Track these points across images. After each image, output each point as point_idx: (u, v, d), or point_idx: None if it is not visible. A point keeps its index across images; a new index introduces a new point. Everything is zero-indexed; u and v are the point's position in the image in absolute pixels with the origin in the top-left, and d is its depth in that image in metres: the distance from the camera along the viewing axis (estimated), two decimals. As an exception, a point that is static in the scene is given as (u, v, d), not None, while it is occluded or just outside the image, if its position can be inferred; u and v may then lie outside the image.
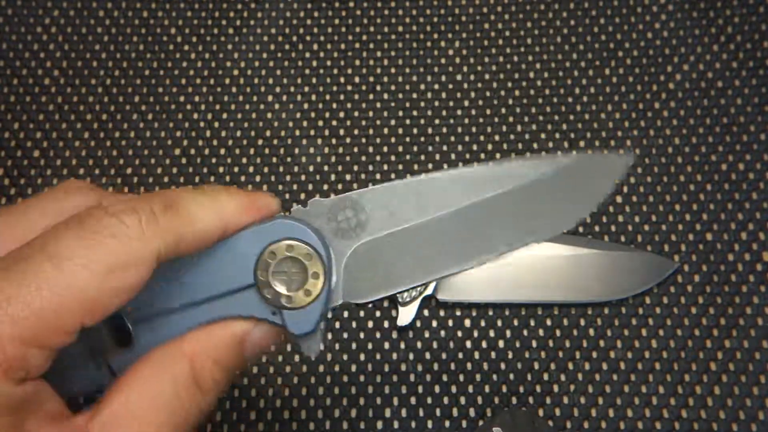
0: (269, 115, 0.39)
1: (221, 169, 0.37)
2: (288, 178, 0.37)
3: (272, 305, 0.20)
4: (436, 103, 0.39)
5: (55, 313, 0.16)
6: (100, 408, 0.17)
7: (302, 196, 0.37)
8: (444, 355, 0.34)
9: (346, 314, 0.35)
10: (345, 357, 0.34)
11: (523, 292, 0.34)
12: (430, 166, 0.37)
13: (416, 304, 0.33)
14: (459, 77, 0.40)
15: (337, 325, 0.34)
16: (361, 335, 0.34)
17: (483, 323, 0.34)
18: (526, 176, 0.22)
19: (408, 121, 0.39)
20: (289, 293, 0.20)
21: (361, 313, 0.35)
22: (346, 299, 0.22)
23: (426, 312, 0.35)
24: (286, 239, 0.20)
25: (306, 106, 0.39)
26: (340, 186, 0.37)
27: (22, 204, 0.19)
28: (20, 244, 0.17)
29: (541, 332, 0.34)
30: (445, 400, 0.33)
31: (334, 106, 0.39)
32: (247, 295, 0.20)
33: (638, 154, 0.38)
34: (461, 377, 0.33)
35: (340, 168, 0.38)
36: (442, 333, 0.34)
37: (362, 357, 0.34)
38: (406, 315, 0.33)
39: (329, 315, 0.25)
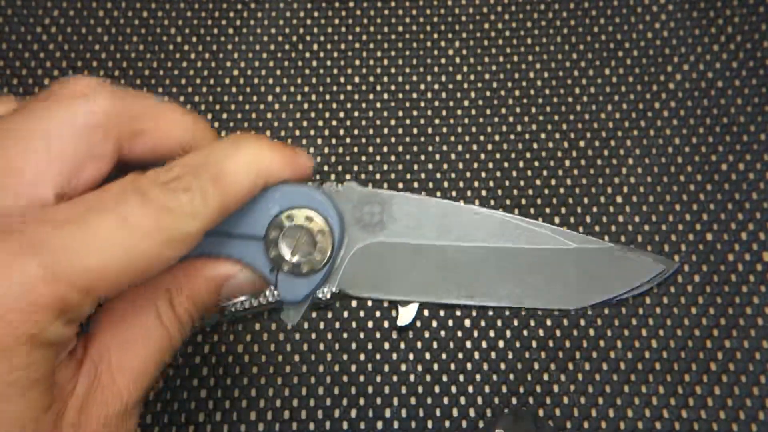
0: (269, 115, 0.39)
1: (221, 169, 0.37)
2: (288, 178, 0.37)
3: (271, 263, 0.21)
4: (436, 103, 0.39)
5: (116, 275, 0.17)
6: (90, 342, 0.19)
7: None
8: (444, 355, 0.34)
9: (346, 314, 0.35)
10: (345, 357, 0.34)
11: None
12: (430, 166, 0.37)
13: (416, 304, 0.33)
14: (459, 77, 0.40)
15: (337, 325, 0.34)
16: (361, 335, 0.34)
17: (483, 323, 0.34)
18: (552, 244, 0.22)
19: (408, 121, 0.39)
20: (291, 260, 0.21)
21: (361, 313, 0.35)
22: (340, 287, 0.23)
23: (426, 312, 0.34)
24: (308, 208, 0.21)
25: (306, 106, 0.39)
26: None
27: (26, 110, 0.19)
28: (52, 168, 0.18)
29: (541, 332, 0.34)
30: (445, 400, 0.33)
31: (334, 106, 0.39)
32: (252, 245, 0.21)
33: (638, 154, 0.38)
34: (461, 377, 0.33)
35: (340, 168, 0.38)
36: (442, 333, 0.34)
37: (362, 357, 0.34)
38: (406, 315, 0.33)
39: (322, 296, 0.26)
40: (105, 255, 0.17)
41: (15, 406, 0.16)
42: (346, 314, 0.35)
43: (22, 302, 0.15)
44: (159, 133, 0.20)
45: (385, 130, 0.38)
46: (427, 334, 0.34)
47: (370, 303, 0.35)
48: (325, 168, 0.37)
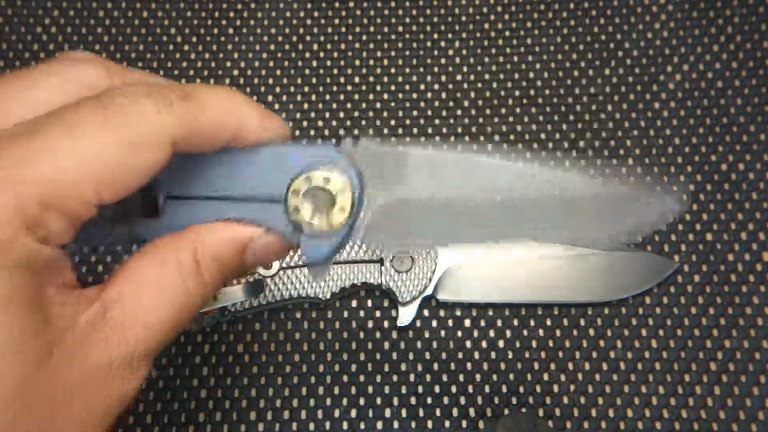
0: (269, 115, 0.39)
1: (221, 169, 0.37)
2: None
3: (293, 225, 0.21)
4: (436, 103, 0.39)
5: (74, 181, 0.16)
6: (108, 285, 0.18)
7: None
8: (444, 355, 0.34)
9: (346, 314, 0.35)
10: (345, 357, 0.34)
11: (524, 292, 0.34)
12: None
13: (416, 304, 0.33)
14: (459, 77, 0.40)
15: (337, 325, 0.34)
16: (361, 335, 0.34)
17: (483, 323, 0.34)
18: (574, 189, 0.22)
19: (408, 121, 0.39)
20: (312, 220, 0.21)
21: (361, 313, 0.35)
22: (363, 242, 0.22)
23: (426, 312, 0.34)
24: (326, 168, 0.21)
25: (306, 106, 0.39)
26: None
27: (27, 71, 0.19)
28: (32, 113, 0.17)
29: (541, 332, 0.34)
30: (445, 400, 0.33)
31: (334, 106, 0.39)
32: (272, 207, 0.21)
33: (638, 154, 0.38)
34: (461, 377, 0.33)
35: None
36: (442, 333, 0.34)
37: (362, 357, 0.34)
38: (406, 315, 0.33)
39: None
40: (59, 163, 0.16)
41: None
42: (346, 314, 0.35)
43: None
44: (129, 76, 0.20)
45: (385, 131, 0.38)
46: (427, 334, 0.34)
47: (369, 303, 0.35)
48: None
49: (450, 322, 0.34)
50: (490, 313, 0.35)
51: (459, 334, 0.34)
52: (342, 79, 0.40)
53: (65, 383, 0.17)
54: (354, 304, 0.35)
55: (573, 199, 0.21)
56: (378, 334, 0.34)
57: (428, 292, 0.33)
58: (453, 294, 0.34)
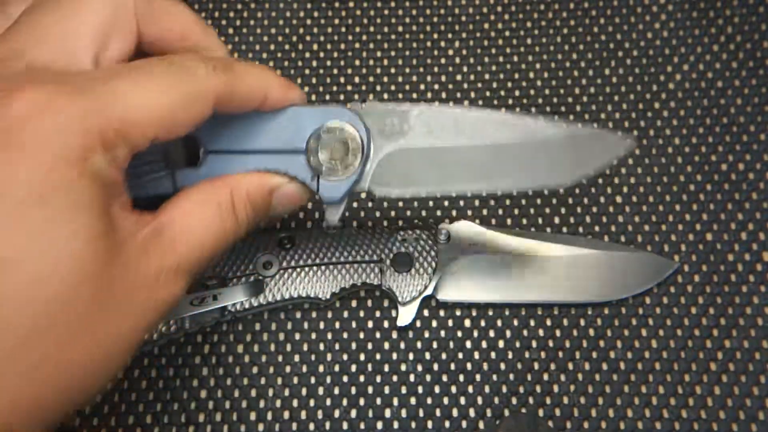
0: (269, 115, 0.39)
1: (221, 169, 0.37)
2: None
3: (313, 171, 0.26)
4: (436, 104, 0.39)
5: (141, 119, 0.21)
6: (160, 213, 0.23)
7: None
8: (444, 355, 0.34)
9: (346, 314, 0.35)
10: (345, 357, 0.34)
11: (523, 292, 0.34)
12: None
13: (416, 304, 0.33)
14: (459, 77, 0.40)
15: (337, 325, 0.34)
16: (361, 335, 0.34)
17: (483, 323, 0.34)
18: (546, 132, 0.27)
19: (408, 121, 0.38)
20: (329, 165, 0.26)
21: (361, 313, 0.35)
22: (371, 187, 0.27)
23: (426, 312, 0.34)
24: (340, 123, 0.26)
25: (306, 106, 0.39)
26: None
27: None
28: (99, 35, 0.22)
29: (540, 332, 0.34)
30: (445, 400, 0.33)
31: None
32: (295, 158, 0.26)
33: (638, 154, 0.38)
34: (461, 377, 0.33)
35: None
36: (442, 333, 0.34)
37: (362, 357, 0.34)
38: (406, 315, 0.33)
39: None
40: (133, 103, 0.20)
41: (72, 223, 0.19)
42: (346, 314, 0.35)
43: (75, 128, 0.19)
44: (168, 21, 0.25)
45: (385, 130, 0.38)
46: (427, 334, 0.34)
47: (369, 303, 0.35)
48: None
49: (450, 322, 0.34)
50: (490, 313, 0.34)
51: (459, 334, 0.34)
52: (342, 79, 0.40)
53: (126, 282, 0.21)
54: (354, 304, 0.35)
55: (545, 141, 0.27)
56: (378, 334, 0.34)
57: (428, 292, 0.33)
58: (453, 294, 0.34)
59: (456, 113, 0.27)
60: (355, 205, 0.37)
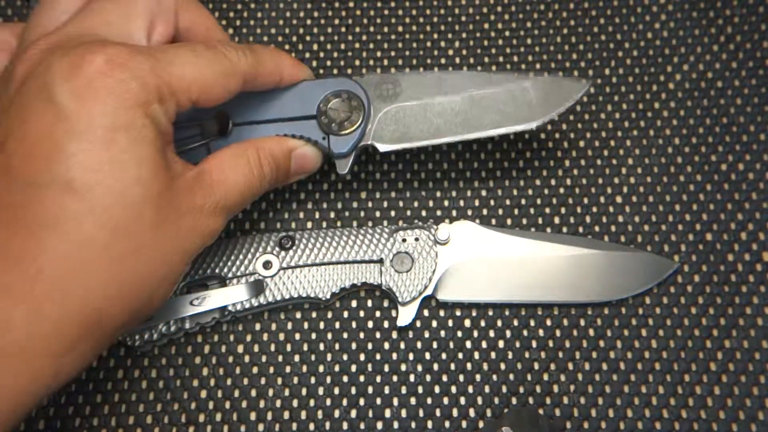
0: (269, 115, 0.39)
1: (221, 169, 0.37)
2: (288, 178, 0.37)
3: (323, 131, 0.32)
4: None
5: (189, 85, 0.27)
6: (202, 162, 0.29)
7: (302, 195, 0.37)
8: (444, 356, 0.34)
9: (346, 314, 0.35)
10: (345, 357, 0.34)
11: (523, 292, 0.34)
12: (430, 165, 0.37)
13: (416, 304, 0.33)
14: (459, 77, 0.40)
15: (337, 325, 0.34)
16: (361, 335, 0.34)
17: (483, 323, 0.34)
18: (515, 82, 0.33)
19: (408, 121, 0.38)
20: (337, 123, 0.32)
21: (361, 314, 0.35)
22: (373, 141, 0.33)
23: (426, 312, 0.34)
24: (344, 90, 0.33)
25: (306, 106, 0.39)
26: (339, 185, 0.37)
27: None
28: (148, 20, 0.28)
29: (541, 332, 0.34)
30: (445, 400, 0.33)
31: (334, 106, 0.39)
32: (308, 122, 0.32)
33: (638, 154, 0.38)
34: (461, 377, 0.33)
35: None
36: (442, 333, 0.34)
37: (362, 357, 0.34)
38: (406, 315, 0.33)
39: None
40: (185, 70, 0.27)
41: (139, 154, 0.25)
42: (346, 314, 0.35)
43: (139, 81, 0.25)
44: (197, 15, 0.31)
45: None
46: (427, 334, 0.34)
47: (369, 303, 0.35)
48: (326, 167, 0.37)
49: (450, 322, 0.34)
50: (490, 313, 0.35)
51: (459, 334, 0.34)
52: (342, 79, 0.40)
53: (178, 209, 0.26)
54: (354, 304, 0.35)
55: (513, 89, 0.33)
56: (378, 334, 0.34)
57: (428, 292, 0.33)
58: (453, 294, 0.34)
59: (438, 75, 0.34)
60: (355, 204, 0.37)
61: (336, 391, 0.33)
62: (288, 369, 0.34)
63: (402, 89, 0.33)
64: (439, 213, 0.37)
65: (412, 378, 0.33)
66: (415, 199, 0.37)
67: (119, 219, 0.24)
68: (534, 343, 0.34)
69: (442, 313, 0.35)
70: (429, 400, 0.33)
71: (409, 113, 0.33)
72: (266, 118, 0.32)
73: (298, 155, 0.32)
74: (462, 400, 0.33)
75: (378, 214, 0.37)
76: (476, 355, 0.34)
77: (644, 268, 0.34)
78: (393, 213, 0.37)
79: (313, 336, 0.34)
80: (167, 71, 0.26)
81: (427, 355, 0.34)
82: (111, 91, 0.24)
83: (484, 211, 0.37)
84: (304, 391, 0.33)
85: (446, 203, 0.37)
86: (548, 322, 0.34)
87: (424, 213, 0.37)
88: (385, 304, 0.35)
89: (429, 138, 0.32)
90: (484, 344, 0.34)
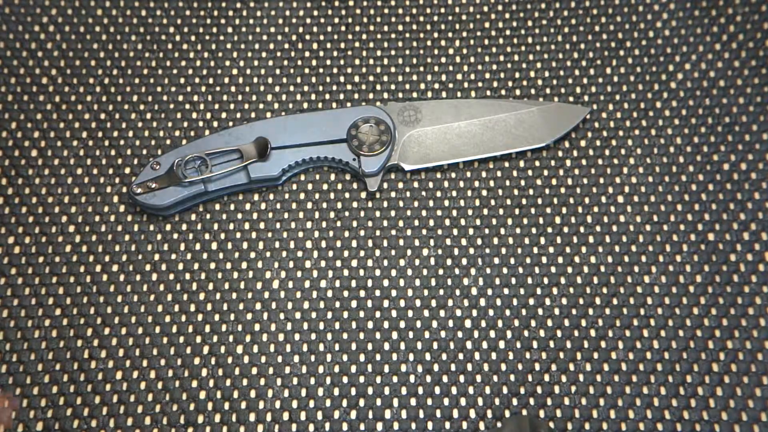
0: (268, 115, 0.39)
1: (220, 169, 0.37)
2: (287, 177, 0.37)
3: (354, 153, 0.36)
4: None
5: None
6: None
7: (302, 195, 0.37)
8: (444, 356, 0.34)
9: (346, 314, 0.34)
10: (345, 358, 0.34)
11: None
12: (429, 165, 0.37)
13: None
14: (459, 76, 0.39)
15: (337, 325, 0.34)
16: (361, 335, 0.34)
17: (483, 324, 0.34)
18: (524, 109, 0.37)
19: (408, 121, 0.38)
20: (367, 145, 0.36)
21: (361, 314, 0.34)
22: (399, 161, 0.36)
23: (426, 312, 0.34)
24: (372, 116, 0.36)
25: (305, 105, 0.39)
26: (339, 186, 0.37)
27: None
28: None
29: (542, 333, 0.34)
30: (446, 401, 0.33)
31: (334, 105, 0.39)
32: (340, 145, 0.36)
33: (639, 153, 0.37)
34: (461, 378, 0.33)
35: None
36: (443, 334, 0.34)
37: (362, 358, 0.34)
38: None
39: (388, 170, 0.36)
40: None
41: None
42: (345, 315, 0.34)
43: None
44: None
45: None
46: (427, 335, 0.34)
47: (369, 304, 0.35)
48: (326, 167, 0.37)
49: (450, 323, 0.34)
50: (491, 313, 0.34)
51: (459, 334, 0.34)
52: (342, 79, 0.39)
53: None
54: (354, 304, 0.35)
55: (525, 116, 0.37)
56: (378, 335, 0.34)
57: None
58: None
59: (455, 102, 0.38)
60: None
61: (336, 392, 0.33)
62: (287, 370, 0.33)
63: (423, 115, 0.37)
64: (439, 213, 0.36)
65: (412, 379, 0.33)
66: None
67: None
68: (535, 344, 0.34)
69: (442, 313, 0.34)
70: (429, 401, 0.33)
71: (430, 136, 0.36)
72: (301, 142, 0.35)
73: None
74: (462, 401, 0.33)
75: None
76: (477, 356, 0.34)
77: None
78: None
79: (313, 336, 0.34)
80: None
81: (428, 356, 0.34)
82: None
83: (485, 211, 0.36)
84: (303, 392, 0.33)
85: (446, 203, 0.37)
86: (549, 323, 0.34)
87: (425, 215, 0.36)
88: (383, 300, 0.35)
89: (449, 158, 0.36)
90: (484, 345, 0.34)
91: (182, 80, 0.39)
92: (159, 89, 0.39)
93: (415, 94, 0.39)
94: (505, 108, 0.37)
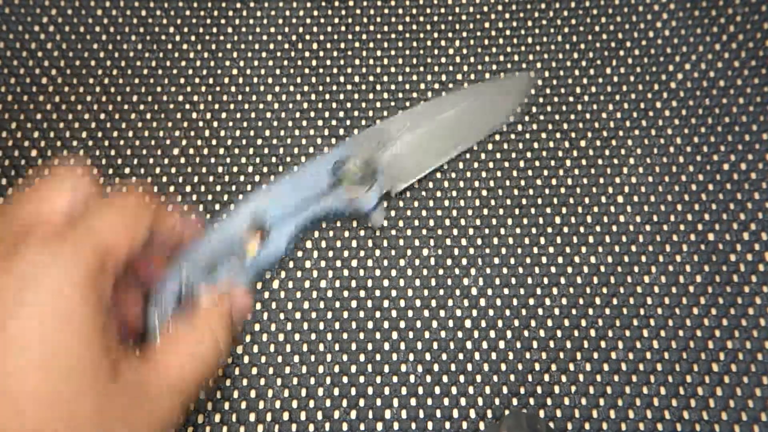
0: (268, 115, 0.39)
1: (220, 169, 0.37)
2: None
3: (347, 197, 0.33)
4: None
5: (114, 246, 0.24)
6: (148, 350, 0.26)
7: (302, 195, 0.37)
8: (444, 356, 0.34)
9: (346, 315, 0.34)
10: (345, 358, 0.34)
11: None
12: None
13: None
14: (459, 76, 0.39)
15: (337, 325, 0.34)
16: (361, 336, 0.34)
17: (483, 323, 0.34)
18: (471, 97, 0.37)
19: (408, 121, 0.38)
20: (357, 185, 0.34)
21: (361, 314, 0.34)
22: (388, 188, 0.35)
23: (426, 312, 0.34)
24: (346, 156, 0.34)
25: (305, 105, 0.39)
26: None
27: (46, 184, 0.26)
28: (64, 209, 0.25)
29: (542, 333, 0.34)
30: (446, 401, 0.33)
31: (334, 105, 0.39)
32: (331, 195, 0.33)
33: (639, 153, 0.37)
34: (462, 378, 0.33)
35: (339, 168, 0.37)
36: (443, 334, 0.34)
37: (362, 358, 0.34)
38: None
39: (383, 200, 0.36)
40: (107, 236, 0.24)
41: (77, 347, 0.22)
42: (345, 315, 0.34)
43: (72, 261, 0.23)
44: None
45: (385, 130, 0.38)
46: (427, 335, 0.34)
47: (369, 304, 0.35)
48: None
49: (450, 323, 0.34)
50: (491, 313, 0.34)
51: (459, 334, 0.34)
52: (342, 79, 0.39)
53: (124, 399, 0.23)
54: (354, 304, 0.35)
55: (485, 99, 0.37)
56: (378, 335, 0.34)
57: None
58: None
59: (413, 110, 0.37)
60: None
61: (336, 392, 0.33)
62: (287, 370, 0.33)
63: (391, 134, 0.36)
64: (439, 213, 0.36)
65: (412, 379, 0.33)
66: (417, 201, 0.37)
67: (53, 412, 0.21)
68: (535, 344, 0.34)
69: (442, 313, 0.34)
70: (429, 401, 0.33)
71: (407, 151, 0.36)
72: (296, 205, 0.33)
73: (237, 302, 0.30)
74: (462, 401, 0.33)
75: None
76: (477, 356, 0.34)
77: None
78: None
79: (313, 336, 0.34)
80: (97, 241, 0.24)
81: (428, 356, 0.34)
82: (45, 283, 0.22)
83: (485, 211, 0.36)
84: (303, 392, 0.33)
85: (446, 203, 0.37)
86: (549, 323, 0.34)
87: (425, 215, 0.36)
88: (385, 304, 0.35)
89: (434, 162, 0.36)
90: (484, 345, 0.34)
91: (182, 80, 0.39)
92: (159, 89, 0.39)
93: (415, 95, 0.39)
94: (463, 96, 0.37)
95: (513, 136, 0.38)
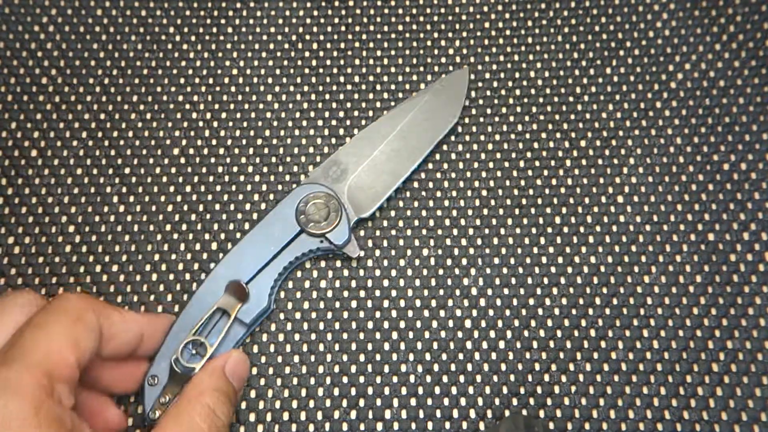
0: (268, 115, 0.39)
1: (220, 169, 0.37)
2: (287, 177, 0.37)
3: (317, 236, 0.34)
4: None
5: (60, 360, 0.25)
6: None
7: (302, 195, 0.37)
8: (444, 356, 0.34)
9: (345, 315, 0.34)
10: (344, 358, 0.34)
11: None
12: (430, 166, 0.37)
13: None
14: (459, 76, 0.39)
15: (337, 325, 0.34)
16: (361, 336, 0.34)
17: (483, 324, 0.34)
18: (412, 109, 0.37)
19: (408, 121, 0.38)
20: (323, 222, 0.34)
21: (361, 314, 0.34)
22: (357, 216, 0.35)
23: (426, 312, 0.34)
24: (306, 195, 0.34)
25: (305, 105, 0.39)
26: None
27: None
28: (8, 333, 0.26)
29: (542, 333, 0.34)
30: (446, 401, 0.33)
31: (334, 105, 0.39)
32: (301, 238, 0.34)
33: (639, 153, 0.37)
34: (462, 378, 0.33)
35: (339, 168, 0.37)
36: (443, 334, 0.34)
37: (362, 358, 0.34)
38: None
39: (352, 231, 0.35)
40: (52, 352, 0.25)
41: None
42: (345, 315, 0.34)
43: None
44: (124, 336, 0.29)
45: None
46: (427, 335, 0.34)
47: (369, 304, 0.35)
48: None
49: (450, 323, 0.34)
50: (491, 313, 0.34)
51: (459, 334, 0.34)
52: (342, 79, 0.39)
53: None
54: (354, 304, 0.35)
55: (425, 106, 0.37)
56: (378, 335, 0.34)
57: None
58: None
59: (363, 133, 0.37)
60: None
61: (336, 392, 0.33)
62: (287, 370, 0.33)
63: (345, 164, 0.36)
64: (439, 213, 0.36)
65: (412, 379, 0.33)
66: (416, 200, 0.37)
67: None
68: (535, 344, 0.34)
69: (442, 313, 0.34)
70: (429, 401, 0.33)
71: (365, 177, 0.36)
72: (269, 258, 0.33)
73: (231, 369, 0.30)
74: (463, 401, 0.33)
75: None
76: (477, 356, 0.34)
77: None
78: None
79: (312, 336, 0.34)
80: (38, 360, 0.24)
81: (428, 356, 0.34)
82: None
83: (485, 211, 0.36)
84: (303, 392, 0.33)
85: (446, 203, 0.37)
86: (549, 323, 0.34)
87: (425, 215, 0.36)
88: (385, 304, 0.35)
89: (395, 181, 0.36)
90: (484, 345, 0.34)
91: (182, 80, 0.39)
92: (159, 89, 0.39)
93: (415, 95, 0.39)
94: (406, 109, 0.37)
95: (513, 136, 0.38)
